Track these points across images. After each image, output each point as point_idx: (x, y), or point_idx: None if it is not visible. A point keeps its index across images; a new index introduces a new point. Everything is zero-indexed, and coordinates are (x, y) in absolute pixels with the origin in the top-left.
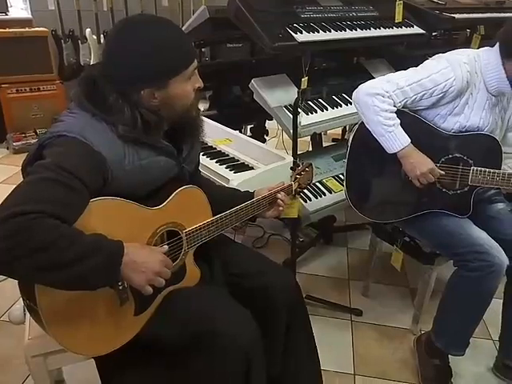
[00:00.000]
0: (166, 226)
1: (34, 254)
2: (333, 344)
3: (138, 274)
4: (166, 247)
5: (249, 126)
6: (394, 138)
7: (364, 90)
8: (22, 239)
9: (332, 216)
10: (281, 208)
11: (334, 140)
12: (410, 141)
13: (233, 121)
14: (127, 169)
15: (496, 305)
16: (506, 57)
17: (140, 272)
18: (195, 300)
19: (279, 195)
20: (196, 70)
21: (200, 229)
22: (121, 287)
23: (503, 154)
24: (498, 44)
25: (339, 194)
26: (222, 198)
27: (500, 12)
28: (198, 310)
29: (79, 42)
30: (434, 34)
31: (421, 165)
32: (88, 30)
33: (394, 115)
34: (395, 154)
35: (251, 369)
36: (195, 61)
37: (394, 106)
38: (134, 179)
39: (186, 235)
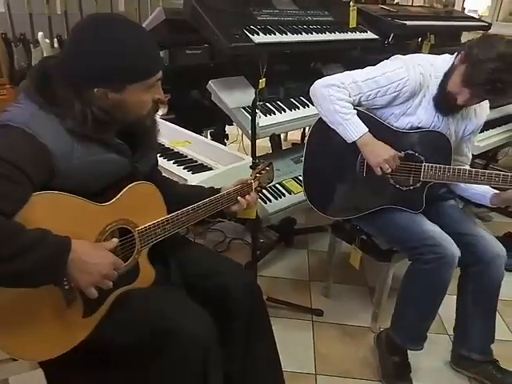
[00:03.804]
0: (117, 224)
1: None
2: (294, 345)
3: (84, 274)
4: (115, 240)
5: (209, 131)
6: (352, 126)
7: (321, 82)
8: None
9: (292, 219)
10: (245, 202)
11: (293, 144)
12: (367, 129)
13: (192, 125)
14: (75, 163)
15: (451, 301)
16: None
17: (87, 273)
18: (151, 300)
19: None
20: (159, 82)
21: (154, 227)
22: (67, 287)
23: (454, 162)
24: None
25: (299, 195)
26: (187, 194)
27: (448, 21)
28: (155, 310)
29: (31, 45)
30: (387, 41)
31: (383, 152)
32: (40, 34)
33: (351, 105)
34: (354, 143)
35: (209, 369)
36: (160, 72)
37: (350, 97)
38: (82, 175)
39: (139, 233)
